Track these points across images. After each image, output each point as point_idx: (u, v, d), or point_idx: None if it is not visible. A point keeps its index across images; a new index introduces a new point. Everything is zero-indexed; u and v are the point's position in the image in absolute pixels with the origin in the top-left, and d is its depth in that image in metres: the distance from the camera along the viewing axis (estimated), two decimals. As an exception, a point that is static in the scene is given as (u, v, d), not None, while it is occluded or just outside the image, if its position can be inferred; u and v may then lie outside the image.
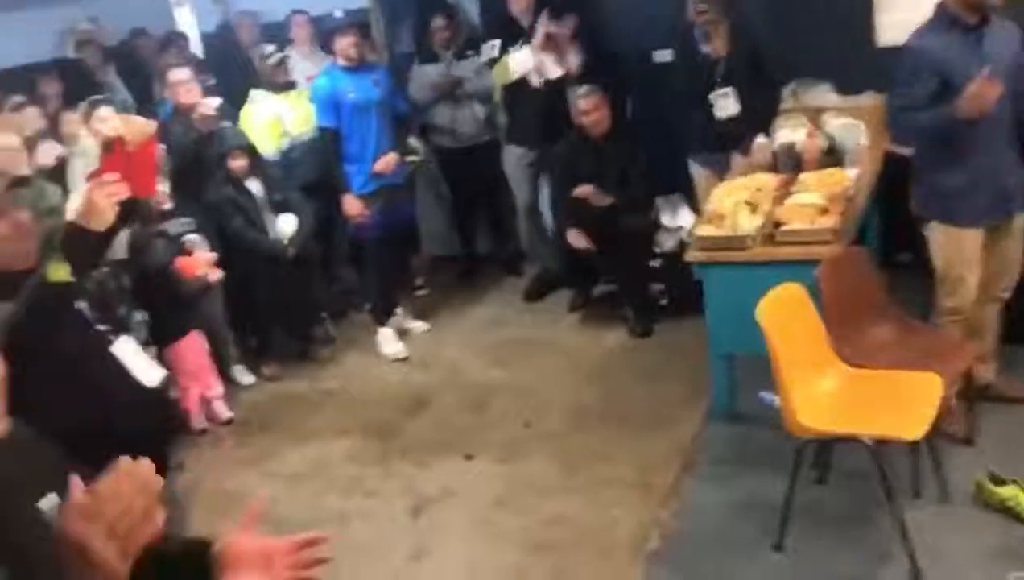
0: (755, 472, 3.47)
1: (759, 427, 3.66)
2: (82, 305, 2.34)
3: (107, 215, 2.16)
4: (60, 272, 2.10)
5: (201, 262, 4.54)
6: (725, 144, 4.60)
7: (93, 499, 1.15)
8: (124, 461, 1.21)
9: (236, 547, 1.35)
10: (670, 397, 4.21)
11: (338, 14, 4.98)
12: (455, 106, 5.61)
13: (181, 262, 4.49)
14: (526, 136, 5.46)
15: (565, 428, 4.16)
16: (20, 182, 2.52)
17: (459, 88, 5.56)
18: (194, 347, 4.64)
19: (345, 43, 4.88)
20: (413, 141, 5.41)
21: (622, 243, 4.89)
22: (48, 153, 4.56)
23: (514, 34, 5.34)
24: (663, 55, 5.27)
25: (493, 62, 5.39)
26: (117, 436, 2.30)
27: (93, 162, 4.48)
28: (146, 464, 1.23)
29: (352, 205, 4.93)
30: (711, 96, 4.60)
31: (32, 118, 4.95)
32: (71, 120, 4.91)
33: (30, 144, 4.43)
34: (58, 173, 4.57)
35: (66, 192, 4.35)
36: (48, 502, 1.33)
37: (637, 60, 5.53)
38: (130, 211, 2.24)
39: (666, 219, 5.01)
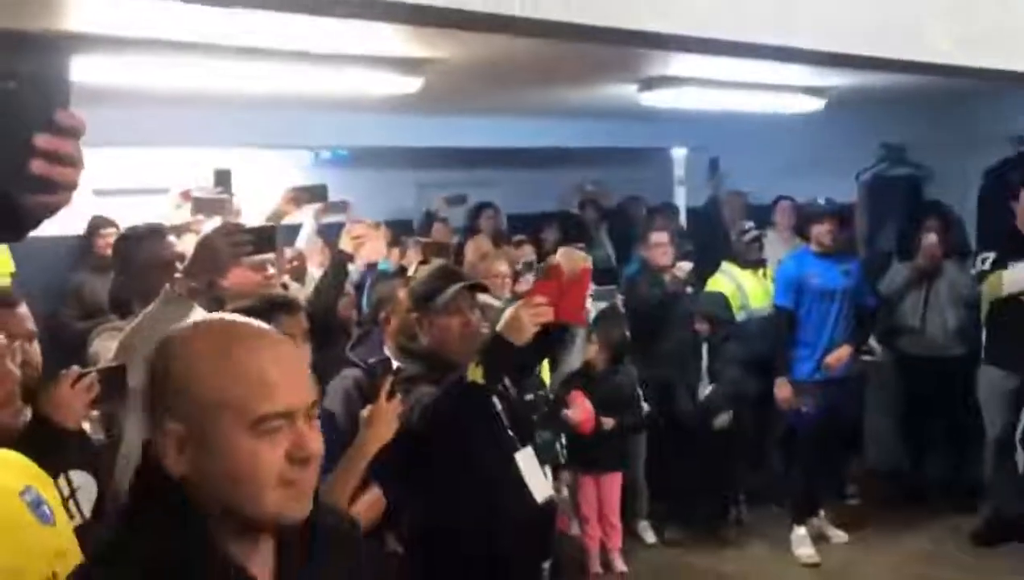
0: None
1: None
2: (499, 409, 2.57)
3: (527, 332, 2.33)
4: (476, 374, 2.33)
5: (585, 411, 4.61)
6: None
7: None
8: None
9: None
10: None
11: (821, 201, 5.00)
12: (926, 307, 5.23)
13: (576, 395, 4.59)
14: (1011, 359, 4.86)
15: None
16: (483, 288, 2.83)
17: (933, 288, 5.19)
18: (611, 486, 4.76)
19: (821, 230, 4.86)
20: (872, 342, 5.13)
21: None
22: (528, 282, 5.13)
23: (1013, 248, 4.87)
24: None
25: (983, 274, 4.95)
26: (502, 539, 2.46)
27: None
28: None
29: (783, 389, 4.80)
30: None
31: (526, 254, 5.63)
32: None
33: (516, 274, 5.04)
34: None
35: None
36: None
37: None
38: (553, 334, 2.43)
39: None
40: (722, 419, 4.95)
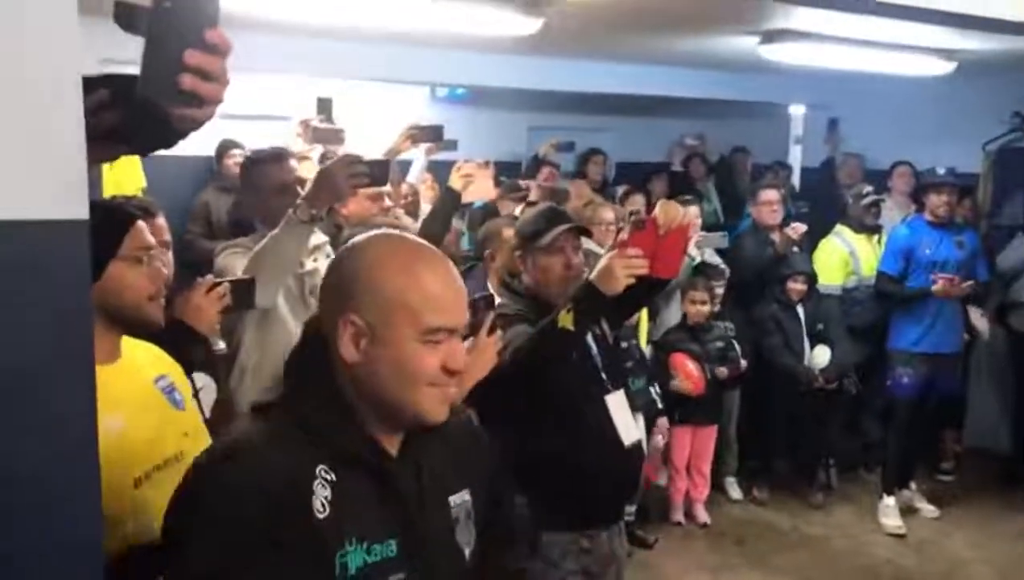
0: None
1: None
2: (594, 351, 2.62)
3: (620, 283, 2.30)
4: (566, 320, 2.33)
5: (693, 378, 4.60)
6: None
7: None
8: None
9: None
10: None
11: (941, 170, 4.81)
12: None
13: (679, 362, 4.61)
14: None
15: None
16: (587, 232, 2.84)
17: None
18: (705, 439, 4.81)
19: (938, 201, 4.71)
20: (976, 317, 4.95)
21: None
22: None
23: None
24: None
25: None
26: (585, 475, 2.53)
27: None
28: None
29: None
30: None
31: (635, 202, 5.63)
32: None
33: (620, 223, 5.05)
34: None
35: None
36: (458, 498, 1.40)
37: None
38: (648, 287, 2.42)
39: None
40: (830, 374, 4.87)
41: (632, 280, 2.31)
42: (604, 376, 2.61)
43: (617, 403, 2.61)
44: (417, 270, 1.25)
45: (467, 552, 1.38)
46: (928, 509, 4.94)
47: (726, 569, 4.31)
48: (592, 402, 2.56)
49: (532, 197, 4.81)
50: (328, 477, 1.20)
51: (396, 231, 1.40)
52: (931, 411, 4.90)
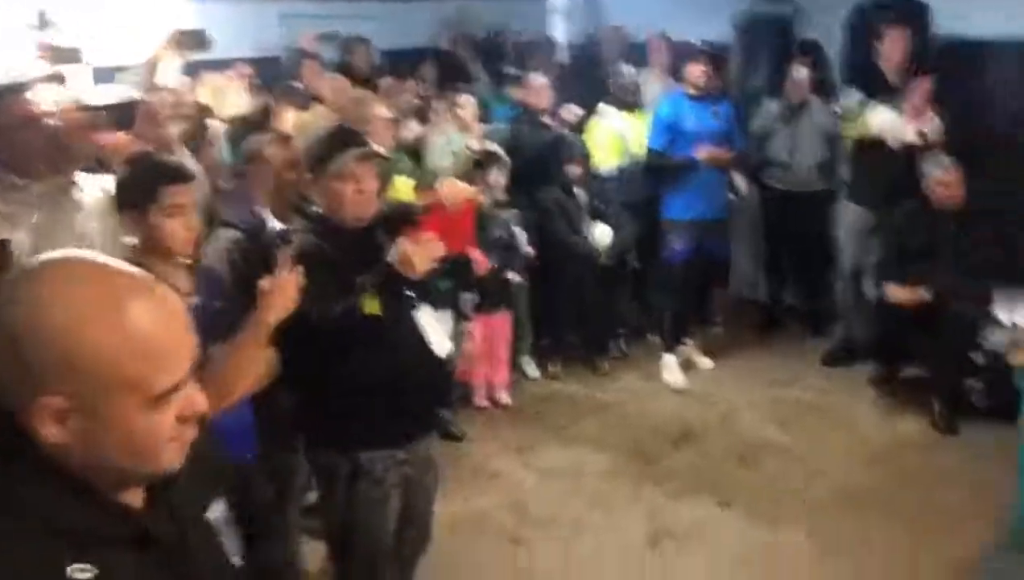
0: (1037, 615, 3.07)
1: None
2: None
3: (420, 268, 2.38)
4: (373, 307, 2.37)
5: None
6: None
7: None
8: None
9: None
10: (959, 507, 3.83)
11: (697, 42, 5.03)
12: (794, 143, 5.44)
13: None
14: (870, 197, 5.17)
15: (832, 506, 3.92)
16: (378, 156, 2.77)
17: (801, 124, 5.40)
18: (500, 325, 4.93)
19: (696, 71, 4.93)
20: (739, 180, 5.32)
21: (944, 327, 4.50)
22: (411, 129, 5.04)
23: (877, 88, 5.09)
24: (1038, 140, 4.78)
25: (848, 113, 5.17)
26: (401, 392, 2.55)
27: (450, 144, 4.95)
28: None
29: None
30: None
31: (408, 96, 5.49)
32: (437, 107, 5.41)
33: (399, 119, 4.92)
34: (416, 149, 5.05)
35: (419, 167, 4.81)
36: (216, 510, 1.28)
37: (1003, 140, 5.04)
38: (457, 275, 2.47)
39: (1001, 313, 4.53)
40: (613, 251, 5.08)
41: (433, 264, 2.39)
42: (411, 293, 2.60)
43: (426, 318, 2.62)
44: (124, 321, 0.99)
45: (236, 560, 1.28)
46: (704, 361, 5.39)
47: (530, 446, 4.53)
48: (401, 322, 2.56)
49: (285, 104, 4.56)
50: (84, 569, 0.99)
51: (78, 257, 1.05)
52: (701, 272, 5.27)
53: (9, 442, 1.00)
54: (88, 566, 0.99)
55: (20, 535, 0.97)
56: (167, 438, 1.06)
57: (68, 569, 0.98)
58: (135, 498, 1.11)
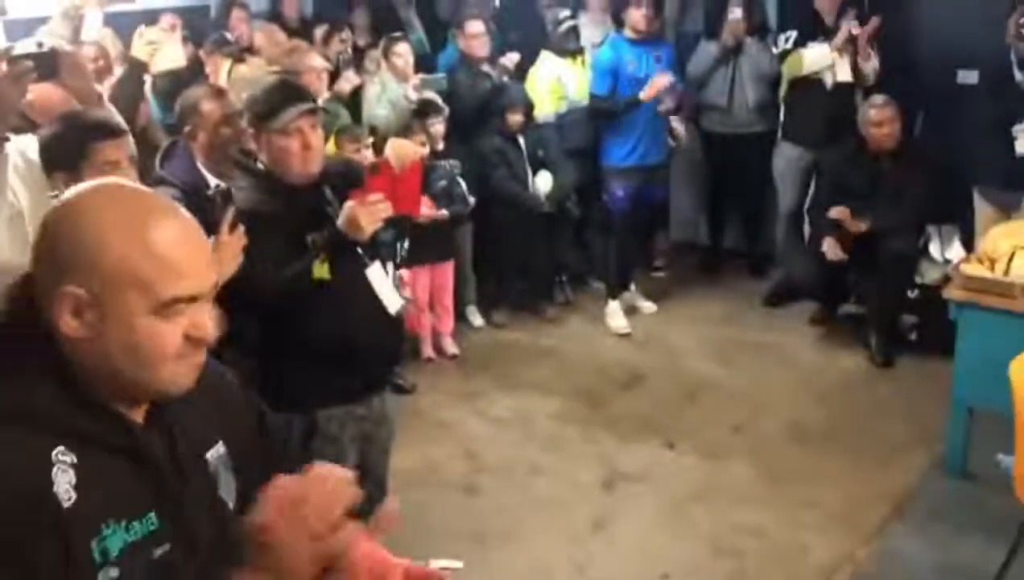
0: (971, 537, 3.21)
1: (989, 491, 3.36)
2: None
3: (367, 230, 2.37)
4: (322, 271, 2.36)
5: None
6: (1020, 183, 4.21)
7: (289, 493, 1.17)
8: (322, 467, 1.24)
9: (357, 554, 1.25)
10: (896, 437, 3.97)
11: (635, -16, 4.99)
12: (732, 85, 5.45)
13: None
14: (806, 137, 5.26)
15: (776, 440, 4.04)
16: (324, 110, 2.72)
17: (738, 66, 5.41)
18: (443, 275, 4.92)
19: (637, 15, 4.91)
20: (677, 125, 5.34)
21: (881, 265, 4.61)
22: (349, 80, 4.93)
23: (812, 28, 5.14)
24: (968, 76, 4.90)
25: (785, 53, 5.21)
26: (356, 350, 2.53)
27: (387, 93, 4.86)
28: (342, 474, 1.24)
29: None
30: (1015, 128, 4.22)
31: (342, 45, 5.36)
32: (372, 55, 5.30)
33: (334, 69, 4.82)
34: (353, 99, 4.95)
35: (356, 119, 4.72)
36: (214, 452, 1.30)
37: (938, 77, 5.15)
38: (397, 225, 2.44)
39: (934, 249, 4.67)
40: (554, 198, 5.08)
41: (379, 224, 2.38)
42: (360, 250, 2.56)
43: (377, 275, 2.60)
44: (146, 231, 1.09)
45: (231, 504, 1.30)
46: (647, 306, 5.45)
47: (478, 395, 4.55)
48: (352, 280, 2.53)
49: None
50: (67, 459, 1.07)
51: (118, 181, 1.22)
52: (642, 217, 5.31)
53: (30, 343, 1.10)
54: (73, 456, 1.07)
55: (16, 418, 1.06)
56: (172, 353, 1.12)
57: (53, 453, 1.06)
58: (136, 415, 1.16)
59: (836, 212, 4.65)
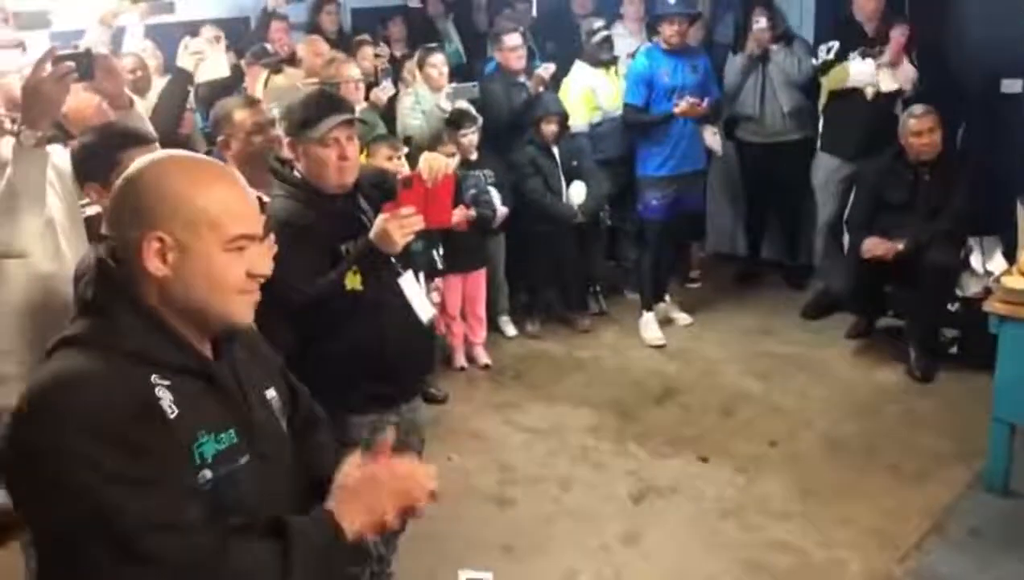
0: (1012, 555, 3.14)
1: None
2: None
3: (399, 244, 2.37)
4: (355, 282, 2.38)
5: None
6: (1065, 194, 4.11)
7: (358, 476, 1.41)
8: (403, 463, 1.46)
9: (345, 479, 1.43)
10: (935, 453, 3.89)
11: (671, 0, 4.96)
12: (763, 95, 5.40)
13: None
14: (845, 148, 5.18)
15: (812, 456, 3.98)
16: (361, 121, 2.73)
17: (767, 75, 5.37)
18: (476, 284, 4.93)
19: (671, 30, 4.89)
20: (711, 139, 5.29)
21: (921, 278, 4.53)
22: (385, 90, 4.96)
23: (853, 37, 5.07)
24: (1012, 85, 4.81)
25: (827, 65, 5.14)
26: (388, 358, 2.54)
27: (421, 104, 4.89)
28: (415, 469, 1.47)
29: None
30: (1060, 138, 4.13)
31: (370, 56, 5.40)
32: (408, 66, 5.33)
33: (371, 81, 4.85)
34: (389, 110, 4.99)
35: (391, 129, 4.75)
36: (271, 393, 1.52)
37: (980, 86, 5.06)
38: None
39: (975, 261, 4.58)
40: (587, 209, 5.07)
41: (411, 237, 2.39)
42: (393, 260, 2.57)
43: (410, 284, 2.60)
44: (213, 184, 1.35)
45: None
46: (682, 317, 5.40)
47: (510, 405, 4.54)
48: (386, 290, 2.53)
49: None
50: (164, 382, 1.30)
51: (179, 151, 1.48)
52: (678, 227, 5.28)
53: (117, 290, 1.34)
54: (167, 381, 1.30)
55: (112, 360, 1.29)
56: (238, 287, 1.36)
57: (151, 378, 1.30)
58: (205, 350, 1.40)
59: (869, 246, 4.57)
